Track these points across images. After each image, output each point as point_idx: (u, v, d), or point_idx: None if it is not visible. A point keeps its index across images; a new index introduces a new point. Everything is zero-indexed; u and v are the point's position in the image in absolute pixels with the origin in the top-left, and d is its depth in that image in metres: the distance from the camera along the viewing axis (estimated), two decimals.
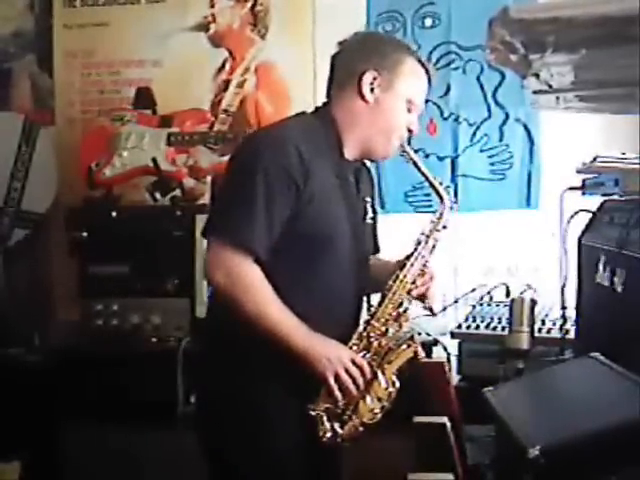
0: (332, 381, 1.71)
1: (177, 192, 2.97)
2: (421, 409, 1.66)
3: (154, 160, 2.90)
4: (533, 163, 3.07)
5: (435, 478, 1.41)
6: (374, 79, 1.81)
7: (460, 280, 3.01)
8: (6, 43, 3.38)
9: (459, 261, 3.04)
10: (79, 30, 3.32)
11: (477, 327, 2.43)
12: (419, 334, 2.51)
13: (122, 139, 2.96)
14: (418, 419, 1.59)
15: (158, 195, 2.95)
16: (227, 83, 3.25)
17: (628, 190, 1.85)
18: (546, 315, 2.41)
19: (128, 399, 2.62)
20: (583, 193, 2.12)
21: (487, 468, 1.66)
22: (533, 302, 2.07)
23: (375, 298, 1.88)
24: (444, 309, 2.78)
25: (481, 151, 3.11)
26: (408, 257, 1.85)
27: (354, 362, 1.74)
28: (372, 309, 1.85)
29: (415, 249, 1.85)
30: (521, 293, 2.17)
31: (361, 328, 1.81)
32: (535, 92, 2.11)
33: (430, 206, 2.84)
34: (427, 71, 1.87)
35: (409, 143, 1.90)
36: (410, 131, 1.87)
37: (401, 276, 1.83)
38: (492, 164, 3.10)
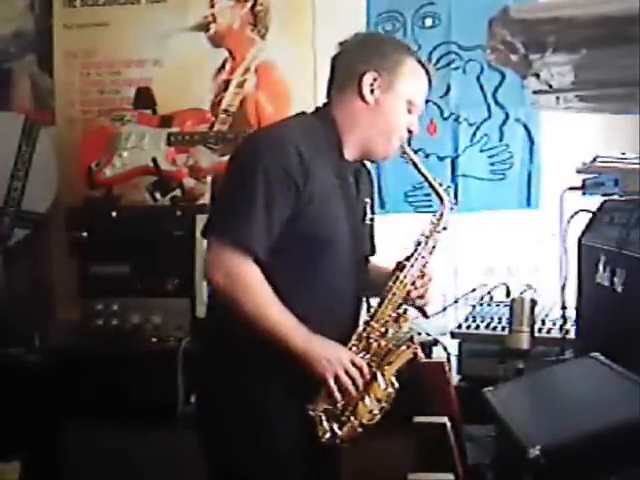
0: (332, 382, 1.71)
1: (177, 192, 2.98)
2: (421, 409, 1.66)
3: (154, 160, 2.90)
4: (533, 163, 3.07)
5: (435, 478, 1.41)
6: (374, 80, 1.80)
7: (460, 280, 3.02)
8: (6, 43, 3.38)
9: (459, 261, 3.04)
10: (79, 30, 3.32)
11: (477, 327, 2.43)
12: (419, 334, 2.50)
13: (122, 139, 2.96)
14: (418, 419, 1.59)
15: (158, 195, 2.96)
16: (227, 83, 3.25)
17: (628, 190, 1.85)
18: (546, 315, 2.40)
19: (128, 399, 2.62)
20: (583, 193, 2.12)
21: (487, 468, 1.66)
22: (533, 302, 2.06)
23: (374, 299, 1.87)
24: (444, 309, 2.78)
25: (481, 151, 3.11)
26: (408, 258, 1.84)
27: (354, 363, 1.74)
28: (372, 310, 1.85)
29: (415, 250, 1.85)
30: (521, 293, 2.17)
31: (360, 329, 1.81)
32: (535, 92, 2.11)
33: (430, 206, 2.83)
34: (427, 72, 1.87)
35: (409, 143, 1.90)
36: (410, 132, 1.87)
37: (401, 277, 1.83)
38: (492, 164, 3.10)
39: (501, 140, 3.09)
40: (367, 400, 1.76)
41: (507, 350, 2.03)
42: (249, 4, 3.23)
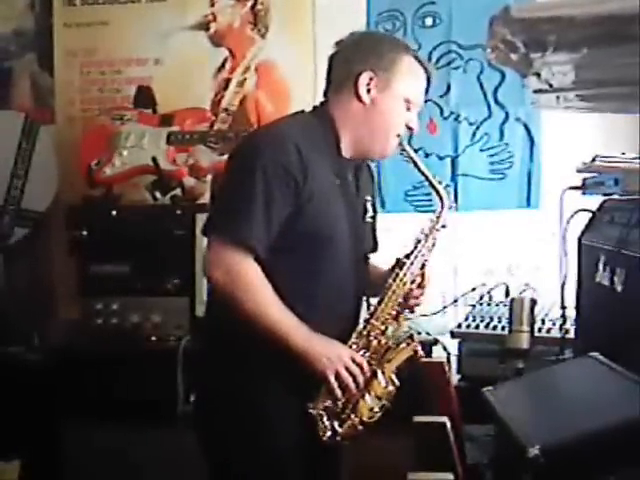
0: (333, 380, 1.71)
1: (177, 191, 2.97)
2: (421, 409, 1.66)
3: (154, 159, 2.90)
4: (533, 162, 3.07)
5: (435, 478, 1.40)
6: (370, 80, 1.80)
7: (460, 280, 3.01)
8: (7, 42, 3.38)
9: (459, 261, 3.04)
10: (79, 29, 3.32)
11: (477, 327, 2.43)
12: (419, 334, 2.51)
13: (122, 138, 2.96)
14: (418, 419, 1.59)
15: (158, 194, 2.95)
16: (227, 82, 3.25)
17: (628, 190, 1.85)
18: (546, 315, 2.40)
19: (128, 398, 2.62)
20: (583, 193, 2.11)
21: (486, 467, 1.66)
22: (533, 302, 2.06)
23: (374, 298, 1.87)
24: (444, 309, 2.78)
25: (481, 150, 3.11)
26: (407, 256, 1.85)
27: (354, 360, 1.74)
28: (372, 308, 1.85)
29: (415, 248, 1.85)
30: (521, 293, 2.17)
31: (361, 326, 1.81)
32: (536, 91, 2.11)
33: (430, 206, 2.82)
34: (425, 69, 1.86)
35: (409, 142, 1.90)
36: (410, 129, 1.87)
37: (401, 275, 1.83)
38: (492, 163, 3.10)
39: (501, 139, 3.09)
40: (367, 398, 1.76)
41: (507, 350, 2.03)
42: (249, 3, 3.23)
